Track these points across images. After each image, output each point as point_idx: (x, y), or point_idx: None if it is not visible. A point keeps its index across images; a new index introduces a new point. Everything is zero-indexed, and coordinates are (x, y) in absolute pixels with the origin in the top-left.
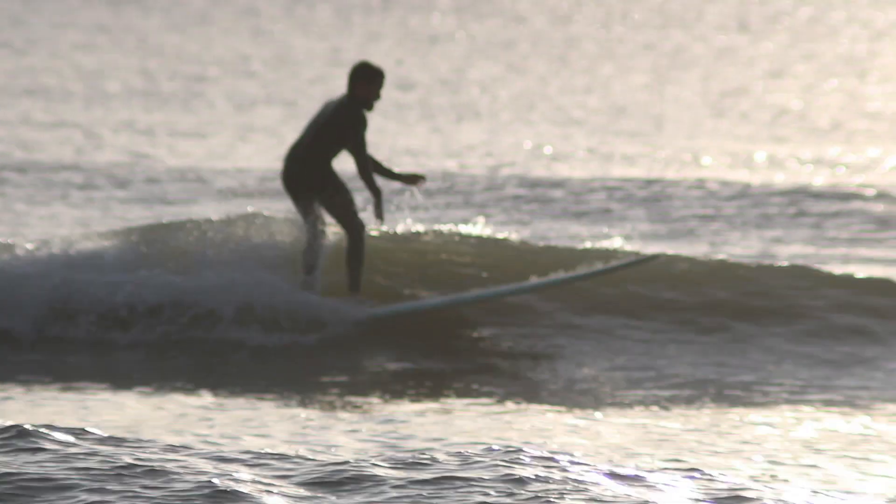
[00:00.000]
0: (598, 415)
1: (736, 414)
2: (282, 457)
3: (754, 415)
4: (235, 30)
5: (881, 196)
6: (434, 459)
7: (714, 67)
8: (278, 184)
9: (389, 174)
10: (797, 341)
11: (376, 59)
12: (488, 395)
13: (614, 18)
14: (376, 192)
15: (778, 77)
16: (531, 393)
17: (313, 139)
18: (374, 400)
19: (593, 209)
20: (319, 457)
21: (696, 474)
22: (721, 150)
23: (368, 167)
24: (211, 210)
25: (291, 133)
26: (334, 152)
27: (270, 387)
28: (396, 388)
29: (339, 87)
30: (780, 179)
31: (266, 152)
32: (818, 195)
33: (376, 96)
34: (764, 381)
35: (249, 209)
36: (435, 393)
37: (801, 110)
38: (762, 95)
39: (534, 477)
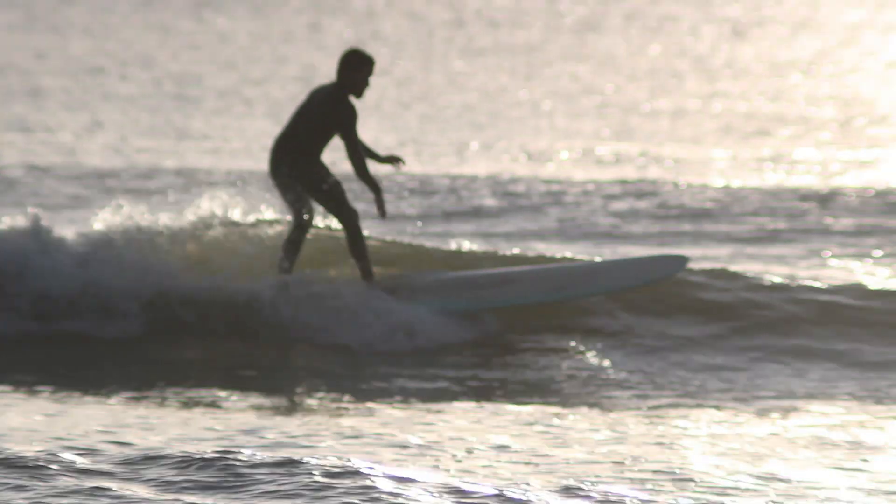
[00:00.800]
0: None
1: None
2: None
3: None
4: (86, 26)
5: (722, 189)
6: (224, 454)
7: (567, 67)
8: (124, 176)
9: (374, 157)
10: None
11: (228, 57)
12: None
13: (468, 17)
14: (375, 189)
15: (630, 77)
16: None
17: (301, 128)
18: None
19: (439, 197)
20: (143, 443)
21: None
22: (568, 147)
23: (364, 163)
24: (59, 198)
25: (133, 130)
26: (323, 141)
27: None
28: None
29: (190, 82)
30: (625, 173)
31: (110, 147)
32: (658, 186)
33: (365, 84)
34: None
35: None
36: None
37: (650, 108)
38: (612, 94)
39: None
